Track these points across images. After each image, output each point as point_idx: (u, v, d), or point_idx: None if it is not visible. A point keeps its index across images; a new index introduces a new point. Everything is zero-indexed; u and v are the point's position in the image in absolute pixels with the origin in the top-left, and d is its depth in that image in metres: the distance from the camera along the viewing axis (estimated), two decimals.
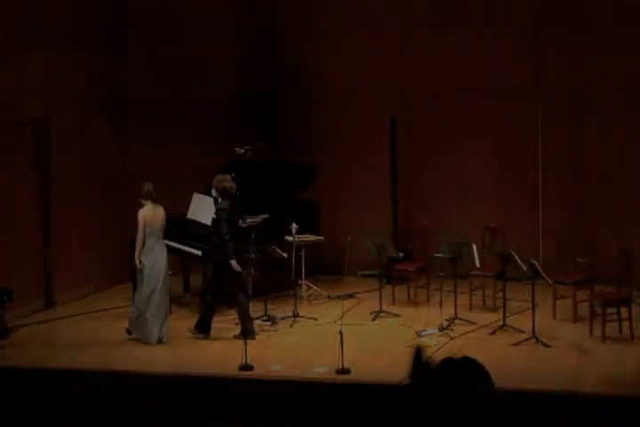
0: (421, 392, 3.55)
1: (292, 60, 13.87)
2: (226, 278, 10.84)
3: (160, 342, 10.64)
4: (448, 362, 3.59)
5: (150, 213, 10.79)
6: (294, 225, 11.68)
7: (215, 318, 11.46)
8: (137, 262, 10.77)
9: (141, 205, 10.79)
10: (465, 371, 3.55)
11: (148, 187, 10.81)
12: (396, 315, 11.49)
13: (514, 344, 10.18)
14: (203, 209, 12.01)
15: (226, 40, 13.87)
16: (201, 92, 13.66)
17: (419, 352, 3.72)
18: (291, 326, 11.24)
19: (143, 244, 10.74)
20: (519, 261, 10.39)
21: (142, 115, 13.39)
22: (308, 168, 13.04)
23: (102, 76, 12.89)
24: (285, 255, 11.49)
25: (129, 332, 10.88)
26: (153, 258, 10.81)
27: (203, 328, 10.85)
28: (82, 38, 12.58)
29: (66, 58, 12.33)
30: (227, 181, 11.09)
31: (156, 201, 10.82)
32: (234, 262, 10.75)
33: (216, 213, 11.06)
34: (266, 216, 12.34)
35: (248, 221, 12.12)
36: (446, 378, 3.54)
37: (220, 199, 11.08)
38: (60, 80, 12.24)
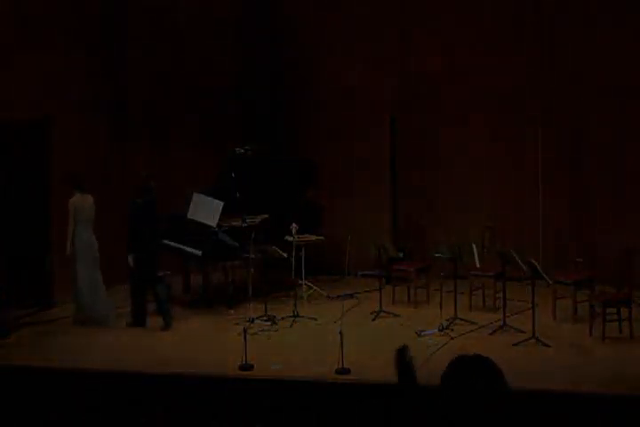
0: (435, 392, 3.55)
1: (292, 60, 13.88)
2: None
3: (103, 326, 11.16)
4: (461, 360, 3.58)
5: (78, 202, 11.25)
6: (294, 225, 11.69)
7: (215, 318, 11.50)
8: (67, 249, 11.21)
9: (72, 195, 11.29)
10: (478, 369, 3.54)
11: (78, 177, 11.39)
12: (395, 315, 11.49)
13: (514, 344, 10.17)
14: (203, 209, 12.02)
15: (226, 40, 13.88)
16: (201, 92, 13.66)
17: (401, 354, 3.74)
18: (291, 326, 11.24)
19: (74, 231, 11.25)
20: (519, 261, 10.39)
21: (142, 115, 13.39)
22: (309, 168, 13.05)
23: (102, 76, 12.89)
24: (285, 255, 11.50)
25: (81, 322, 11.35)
26: (81, 245, 11.21)
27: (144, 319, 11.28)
28: (82, 38, 12.59)
29: (66, 58, 12.33)
30: (144, 177, 11.41)
31: (84, 191, 11.29)
32: (130, 258, 11.14)
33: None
34: (265, 216, 12.35)
35: (248, 221, 12.15)
36: (460, 376, 3.53)
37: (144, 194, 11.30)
38: (60, 80, 12.24)
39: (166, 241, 12.09)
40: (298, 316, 11.39)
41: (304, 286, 12.35)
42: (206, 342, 10.68)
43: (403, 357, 3.87)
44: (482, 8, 12.93)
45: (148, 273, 11.21)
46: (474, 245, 10.99)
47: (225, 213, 11.90)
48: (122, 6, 13.14)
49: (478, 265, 11.13)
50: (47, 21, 12.12)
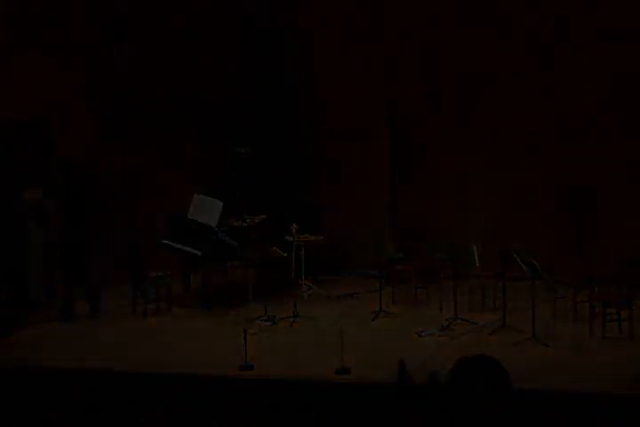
0: (441, 392, 3.55)
1: (292, 60, 13.87)
2: None
3: None
4: (465, 360, 3.58)
5: None
6: (294, 225, 11.69)
7: (215, 319, 11.51)
8: None
9: None
10: (483, 369, 3.54)
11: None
12: (396, 315, 11.50)
13: (514, 344, 10.17)
14: (203, 209, 12.02)
15: (226, 40, 13.87)
16: (201, 92, 13.66)
17: (402, 368, 3.76)
18: (291, 326, 11.24)
19: None
20: (519, 261, 10.39)
21: (142, 115, 13.38)
22: (309, 168, 13.06)
23: (102, 76, 12.89)
24: (285, 255, 11.50)
25: None
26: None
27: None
28: (82, 38, 12.59)
29: (66, 58, 12.34)
30: None
31: None
32: None
33: None
34: (265, 216, 12.35)
35: (248, 221, 12.15)
36: (464, 377, 3.53)
37: None
38: (61, 80, 12.25)
39: (166, 241, 12.10)
40: (298, 316, 11.39)
41: (304, 286, 12.35)
42: (206, 343, 10.68)
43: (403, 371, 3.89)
44: (482, 9, 12.92)
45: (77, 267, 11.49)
46: (474, 246, 10.99)
47: (225, 213, 11.91)
48: (122, 7, 13.14)
49: (478, 265, 11.13)
50: (47, 21, 12.13)
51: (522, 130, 12.84)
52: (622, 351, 9.99)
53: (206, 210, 11.95)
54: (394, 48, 13.26)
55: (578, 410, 8.41)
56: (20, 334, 11.14)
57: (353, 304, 12.13)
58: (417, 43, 13.17)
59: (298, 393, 9.04)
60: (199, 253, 11.83)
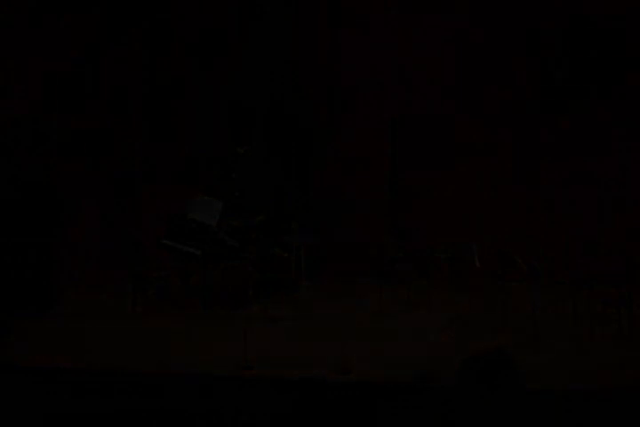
0: (452, 391, 3.56)
1: (292, 60, 13.87)
2: None
3: None
4: (476, 358, 3.59)
5: None
6: (294, 225, 11.70)
7: (215, 319, 11.52)
8: None
9: None
10: (495, 366, 3.55)
11: None
12: (395, 315, 11.50)
13: (515, 344, 10.18)
14: (203, 209, 12.04)
15: (226, 39, 13.87)
16: (202, 92, 13.66)
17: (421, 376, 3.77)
18: (291, 326, 11.24)
19: None
20: (519, 261, 10.40)
21: (142, 114, 13.39)
22: (308, 168, 13.07)
23: (103, 75, 12.90)
24: (286, 255, 11.51)
25: None
26: None
27: None
28: (82, 38, 12.60)
29: (66, 57, 12.34)
30: None
31: None
32: None
33: None
34: (265, 216, 12.36)
35: (248, 221, 12.16)
36: (477, 373, 3.53)
37: None
38: (61, 80, 12.25)
39: (166, 241, 12.11)
40: (298, 316, 11.40)
41: (304, 286, 12.35)
42: (206, 343, 10.68)
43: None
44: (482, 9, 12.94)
45: None
46: (474, 246, 11.00)
47: (225, 213, 11.91)
48: (123, 6, 13.14)
49: (478, 265, 11.13)
50: (48, 22, 12.13)
51: (523, 128, 12.85)
52: (622, 351, 10.00)
53: (206, 210, 11.96)
54: (395, 47, 13.26)
55: (578, 410, 8.41)
56: (20, 334, 11.14)
57: (353, 304, 12.13)
58: (418, 41, 13.17)
59: (298, 393, 9.04)
60: (199, 252, 11.84)
